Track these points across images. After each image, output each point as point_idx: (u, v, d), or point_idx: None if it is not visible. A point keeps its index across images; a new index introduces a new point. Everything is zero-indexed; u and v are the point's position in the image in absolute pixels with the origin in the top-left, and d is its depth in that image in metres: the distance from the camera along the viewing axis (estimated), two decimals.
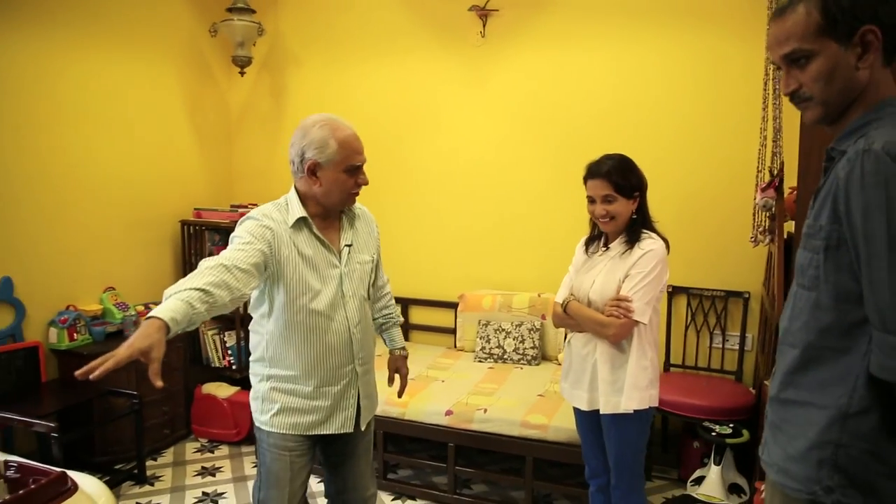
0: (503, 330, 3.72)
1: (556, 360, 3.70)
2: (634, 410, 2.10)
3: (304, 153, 1.87)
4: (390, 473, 3.34)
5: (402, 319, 2.38)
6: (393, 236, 4.18)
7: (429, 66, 4.09)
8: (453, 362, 3.72)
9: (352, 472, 2.10)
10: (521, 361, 3.66)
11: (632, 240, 2.13)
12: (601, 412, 2.16)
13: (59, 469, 2.48)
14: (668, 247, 2.16)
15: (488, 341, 3.73)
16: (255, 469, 3.43)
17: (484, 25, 3.93)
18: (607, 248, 2.20)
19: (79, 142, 3.52)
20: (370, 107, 4.24)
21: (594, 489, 2.40)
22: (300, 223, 1.89)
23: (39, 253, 3.34)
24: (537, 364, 3.66)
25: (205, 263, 1.66)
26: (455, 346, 4.01)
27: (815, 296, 1.18)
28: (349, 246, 1.98)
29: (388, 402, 3.13)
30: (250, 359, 2.02)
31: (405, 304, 4.19)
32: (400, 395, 2.30)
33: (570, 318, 2.20)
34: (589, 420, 2.26)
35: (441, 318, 4.15)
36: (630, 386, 2.10)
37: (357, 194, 1.98)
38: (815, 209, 1.20)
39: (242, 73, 4.29)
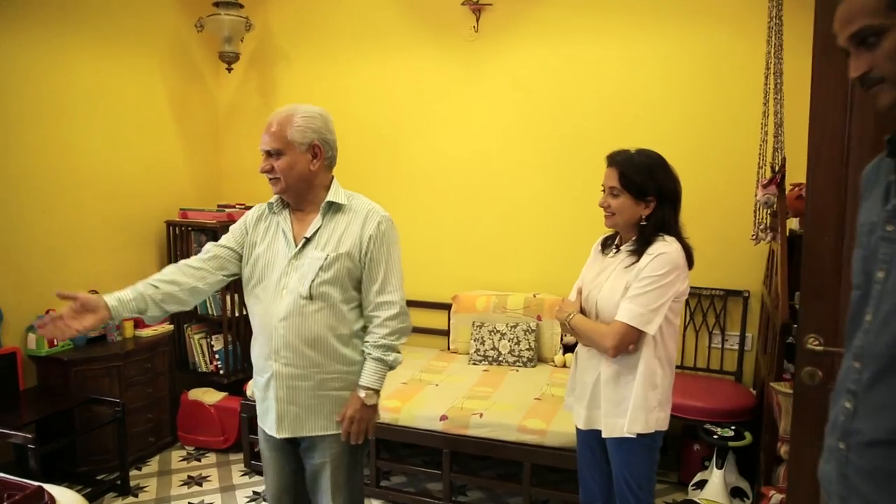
0: (498, 331, 3.63)
1: (552, 361, 3.62)
2: (638, 434, 1.91)
3: None
4: (383, 480, 3.24)
5: (382, 355, 1.89)
6: None
7: (421, 61, 4.00)
8: (447, 365, 3.62)
9: (315, 494, 1.99)
10: (517, 363, 3.57)
11: (641, 244, 1.94)
12: (603, 436, 1.98)
13: (35, 483, 2.37)
14: (689, 254, 1.94)
15: (483, 343, 3.64)
16: (245, 476, 3.33)
17: (477, 20, 3.85)
18: (618, 251, 2.03)
19: (61, 141, 3.40)
20: (361, 104, 4.14)
21: None
22: (274, 206, 1.97)
23: (17, 255, 3.22)
24: (533, 366, 3.57)
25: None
26: (448, 349, 3.92)
27: None
28: (307, 239, 1.89)
29: (378, 407, 3.03)
30: None
31: None
32: (342, 438, 1.90)
33: (575, 333, 2.03)
34: (588, 439, 2.10)
35: (434, 319, 4.05)
36: (636, 407, 1.90)
37: (272, 182, 1.89)
38: None
39: (230, 70, 4.18)
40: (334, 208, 1.91)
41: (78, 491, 3.08)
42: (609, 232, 2.15)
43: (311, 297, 1.84)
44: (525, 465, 2.84)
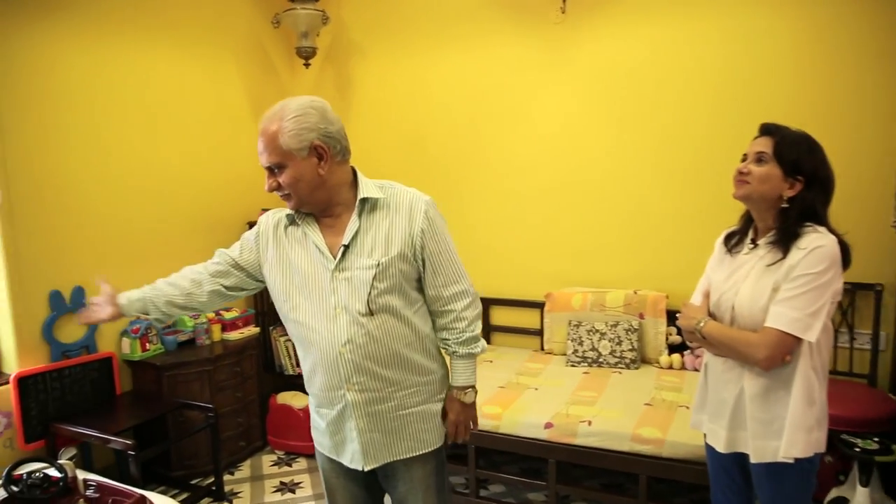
0: (597, 331, 3.40)
1: (657, 362, 3.37)
2: (796, 459, 1.65)
3: None
4: (482, 490, 3.08)
5: (470, 350, 1.73)
6: (472, 232, 3.93)
7: (504, 48, 3.79)
8: (543, 367, 3.42)
9: None
10: (619, 365, 3.34)
11: (786, 235, 1.67)
12: (752, 461, 1.73)
13: (138, 491, 2.33)
14: (845, 249, 1.65)
15: (581, 343, 3.42)
16: None
17: (564, 0, 3.61)
18: (755, 246, 1.77)
19: (142, 144, 3.37)
20: (442, 95, 3.98)
21: None
22: (296, 217, 1.67)
23: (109, 260, 3.21)
24: (636, 368, 3.33)
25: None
26: (542, 349, 3.72)
27: None
28: (346, 246, 1.61)
29: (480, 414, 2.87)
30: None
31: (486, 304, 3.91)
32: (448, 443, 1.79)
33: (708, 343, 1.78)
34: (726, 462, 1.85)
35: (526, 318, 3.86)
36: (792, 426, 1.63)
37: (284, 199, 1.62)
38: None
39: (307, 66, 4.08)
40: (369, 205, 1.64)
41: (175, 496, 3.08)
42: (733, 226, 1.88)
43: (371, 313, 1.59)
44: (641, 477, 2.61)
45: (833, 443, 2.70)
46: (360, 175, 1.68)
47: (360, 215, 1.63)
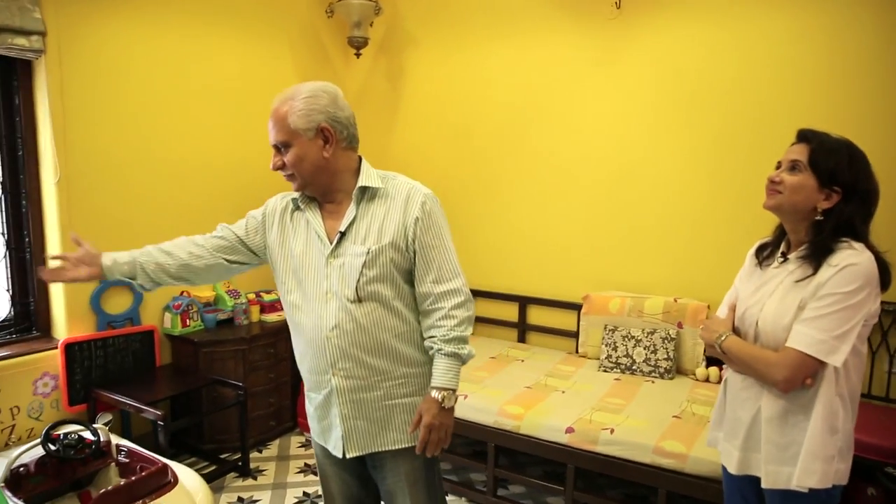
0: (632, 337, 3.30)
1: (693, 374, 3.23)
2: (811, 489, 1.54)
3: None
4: (501, 489, 3.05)
5: (456, 350, 1.63)
6: (513, 227, 3.91)
7: (556, 44, 3.71)
8: (575, 370, 3.35)
9: None
10: (653, 374, 3.22)
11: (819, 250, 1.56)
12: (763, 486, 1.64)
13: (162, 459, 2.43)
14: (885, 269, 1.54)
15: (615, 349, 3.32)
16: None
17: None
18: (785, 260, 1.66)
19: (195, 125, 3.49)
20: (492, 90, 3.94)
21: None
22: (299, 201, 1.71)
23: (156, 236, 3.31)
24: (671, 378, 3.21)
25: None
26: (577, 352, 3.64)
27: None
28: (342, 233, 1.63)
29: (500, 412, 2.85)
30: None
31: (523, 302, 3.87)
32: (418, 450, 1.66)
33: (727, 358, 1.70)
34: (740, 485, 1.76)
35: (562, 319, 3.79)
36: (809, 454, 1.53)
37: (288, 178, 1.65)
38: None
39: (358, 55, 4.13)
40: (369, 194, 1.65)
41: (203, 468, 3.19)
42: (766, 237, 1.77)
43: (359, 300, 1.61)
44: (660, 491, 2.52)
45: (873, 474, 2.53)
46: (364, 164, 1.69)
47: (357, 203, 1.64)
